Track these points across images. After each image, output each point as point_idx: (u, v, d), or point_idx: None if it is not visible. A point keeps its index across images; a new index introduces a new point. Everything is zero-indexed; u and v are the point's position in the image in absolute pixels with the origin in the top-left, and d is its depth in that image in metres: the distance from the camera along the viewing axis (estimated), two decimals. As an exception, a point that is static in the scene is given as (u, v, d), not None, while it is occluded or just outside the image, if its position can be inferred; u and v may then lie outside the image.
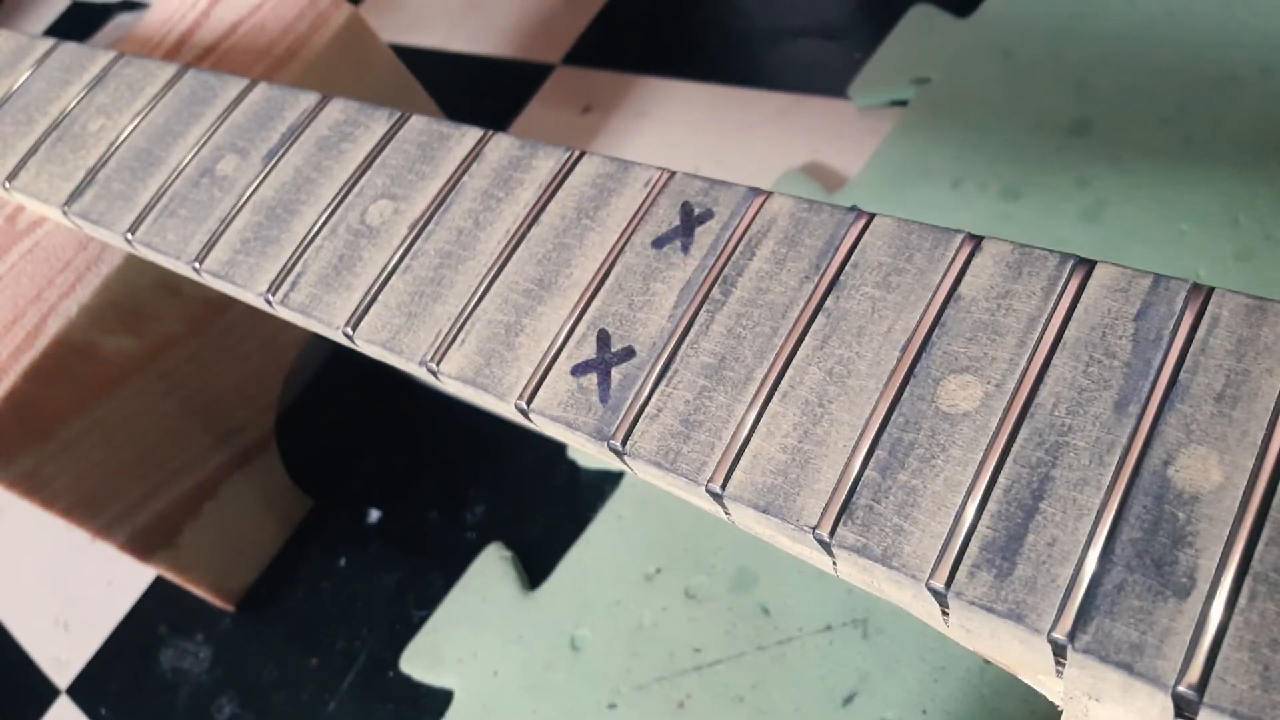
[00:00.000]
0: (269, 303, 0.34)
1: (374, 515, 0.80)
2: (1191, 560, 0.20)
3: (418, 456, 0.82)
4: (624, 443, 0.26)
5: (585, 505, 0.73)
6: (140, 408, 0.66)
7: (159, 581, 0.85)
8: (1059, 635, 0.20)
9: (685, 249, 0.29)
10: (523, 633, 0.68)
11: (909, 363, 0.24)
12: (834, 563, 0.24)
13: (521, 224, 0.31)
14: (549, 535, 0.73)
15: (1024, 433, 0.22)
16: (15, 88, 0.47)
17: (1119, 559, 0.20)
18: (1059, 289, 0.24)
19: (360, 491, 0.81)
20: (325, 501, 0.82)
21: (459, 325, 0.30)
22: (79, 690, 0.82)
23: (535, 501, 0.75)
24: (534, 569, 0.72)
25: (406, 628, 0.73)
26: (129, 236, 0.38)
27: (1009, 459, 0.22)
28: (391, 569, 0.76)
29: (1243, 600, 0.19)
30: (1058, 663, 0.21)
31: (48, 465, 0.63)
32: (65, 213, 0.41)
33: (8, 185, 0.43)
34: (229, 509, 0.75)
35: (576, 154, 0.32)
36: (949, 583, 0.21)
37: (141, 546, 0.71)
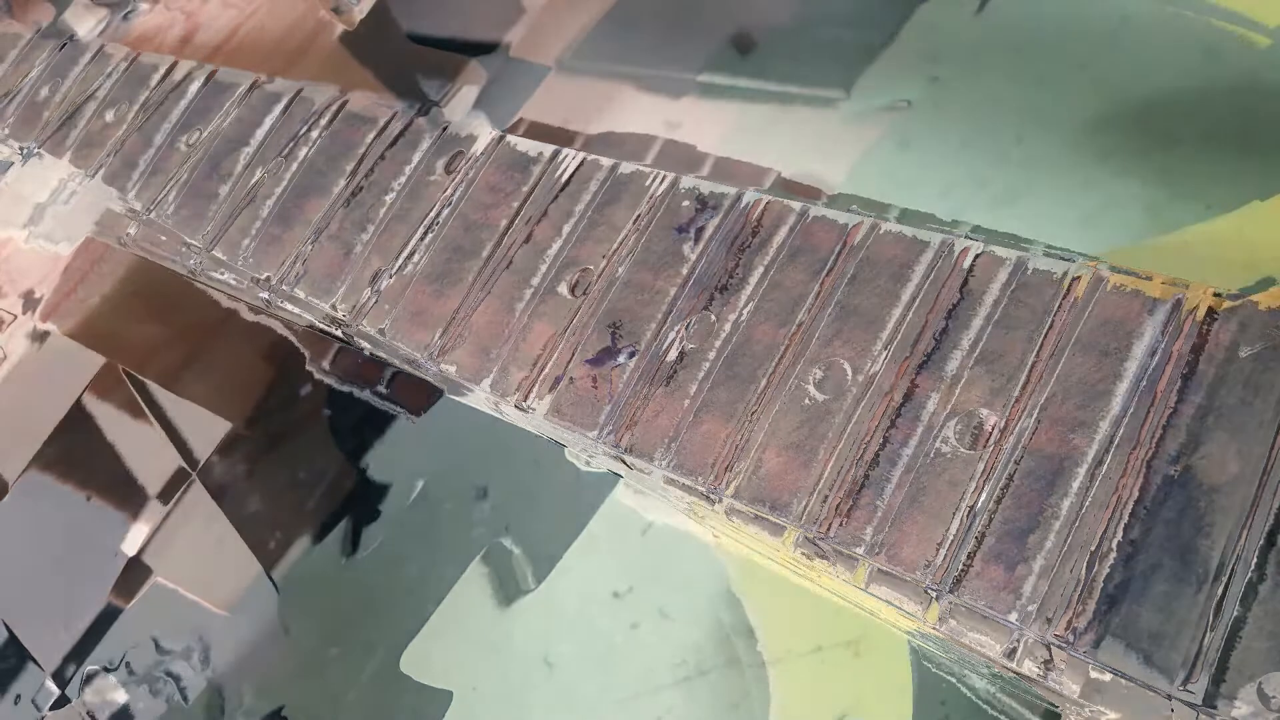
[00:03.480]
0: (269, 302, 0.34)
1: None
2: (1209, 549, 0.20)
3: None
4: (624, 443, 0.26)
5: (584, 506, 0.72)
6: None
7: (159, 581, 0.84)
8: (1061, 634, 0.20)
9: (687, 249, 0.29)
10: (512, 638, 0.68)
11: (912, 363, 0.24)
12: (832, 564, 0.24)
13: (526, 224, 0.31)
14: (549, 536, 0.72)
15: (1031, 431, 0.22)
16: (23, 84, 0.47)
17: (1133, 550, 0.20)
18: (1065, 289, 0.24)
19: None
20: (325, 501, 0.82)
21: (460, 324, 0.30)
22: (79, 690, 0.82)
23: (534, 502, 0.75)
24: (533, 570, 0.71)
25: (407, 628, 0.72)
26: (128, 237, 0.38)
27: (1015, 458, 0.22)
28: (392, 568, 0.76)
29: (1264, 590, 0.19)
30: (1058, 662, 0.21)
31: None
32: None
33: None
34: (228, 509, 0.75)
35: (577, 154, 0.32)
36: (951, 584, 0.21)
37: (141, 546, 0.70)
